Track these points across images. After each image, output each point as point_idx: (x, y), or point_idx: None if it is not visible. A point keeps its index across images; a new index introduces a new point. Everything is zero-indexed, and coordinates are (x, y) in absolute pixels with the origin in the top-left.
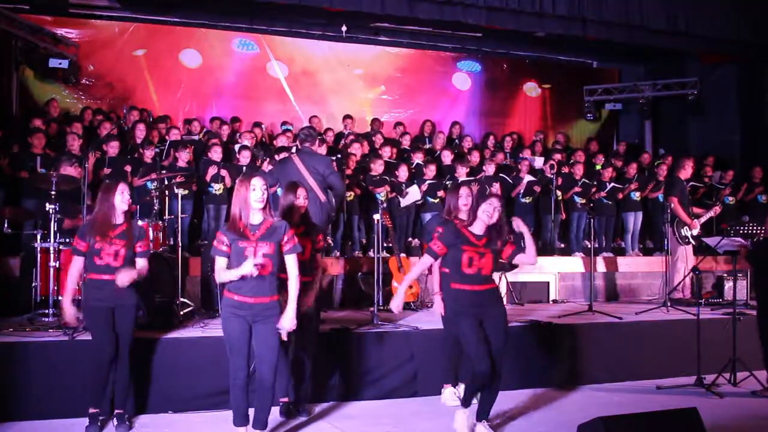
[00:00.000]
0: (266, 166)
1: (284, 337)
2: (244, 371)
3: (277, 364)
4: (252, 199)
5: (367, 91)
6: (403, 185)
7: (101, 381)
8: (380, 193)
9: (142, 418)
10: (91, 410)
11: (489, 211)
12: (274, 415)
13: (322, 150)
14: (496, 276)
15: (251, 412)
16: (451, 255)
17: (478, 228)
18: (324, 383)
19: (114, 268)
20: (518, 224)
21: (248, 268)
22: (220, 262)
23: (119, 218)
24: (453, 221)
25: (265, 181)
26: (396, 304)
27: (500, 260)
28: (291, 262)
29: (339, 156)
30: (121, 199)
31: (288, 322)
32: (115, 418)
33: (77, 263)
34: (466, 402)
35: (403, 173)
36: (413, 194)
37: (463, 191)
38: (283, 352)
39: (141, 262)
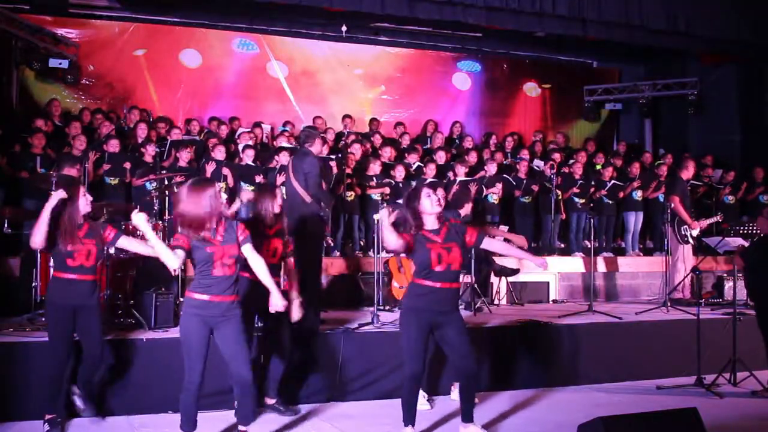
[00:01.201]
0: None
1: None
2: (199, 376)
3: (250, 359)
4: (221, 204)
5: (367, 91)
6: (401, 185)
7: (57, 383)
8: (377, 194)
9: (143, 418)
10: (48, 416)
11: (433, 201)
12: (276, 415)
13: (325, 150)
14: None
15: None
16: (419, 257)
17: (430, 223)
18: (324, 383)
19: (87, 268)
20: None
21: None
22: (180, 253)
23: (81, 220)
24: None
25: (218, 185)
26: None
27: (469, 248)
28: (248, 250)
29: (339, 156)
30: (84, 201)
31: (278, 302)
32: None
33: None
34: (409, 418)
35: (399, 174)
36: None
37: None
38: (277, 353)
39: (125, 241)
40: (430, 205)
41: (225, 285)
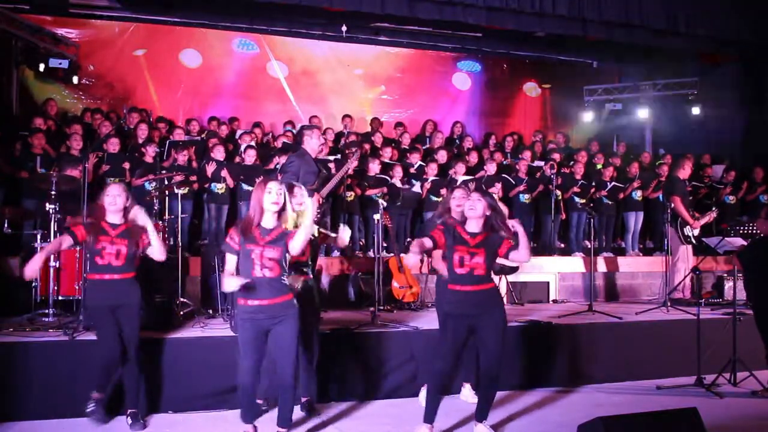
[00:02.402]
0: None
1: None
2: (252, 374)
3: (295, 363)
4: (266, 202)
5: (367, 91)
6: (400, 185)
7: (108, 377)
8: (376, 194)
9: (150, 417)
10: (95, 395)
11: (472, 206)
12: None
13: (325, 149)
14: (495, 277)
15: (272, 412)
16: (448, 256)
17: (472, 226)
18: (324, 383)
19: (115, 267)
20: (516, 226)
21: (232, 286)
22: (230, 260)
23: (116, 219)
24: (448, 221)
25: (281, 185)
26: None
27: (497, 258)
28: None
29: (338, 156)
30: (110, 200)
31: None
32: (129, 417)
33: (63, 240)
34: (429, 416)
35: (398, 174)
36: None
37: (457, 193)
38: (307, 352)
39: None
40: (473, 211)
41: (271, 288)
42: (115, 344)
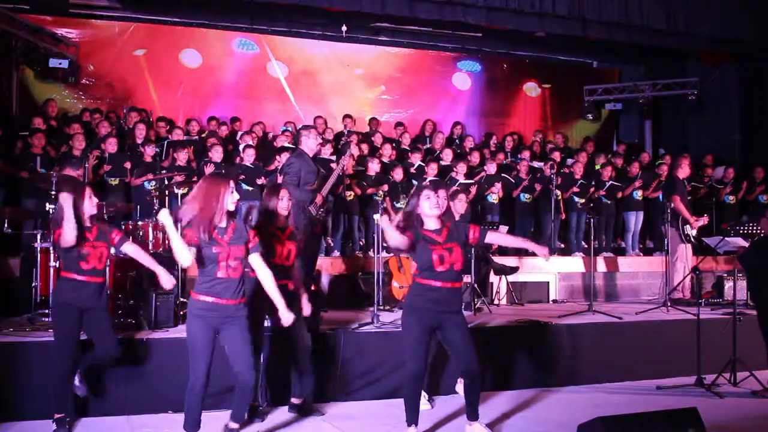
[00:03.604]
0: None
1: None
2: (204, 376)
3: (253, 362)
4: (229, 202)
5: (367, 91)
6: (399, 186)
7: (65, 383)
8: (376, 193)
9: (143, 418)
10: (57, 415)
11: (432, 204)
12: (282, 411)
13: (327, 149)
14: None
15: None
16: (420, 257)
17: (430, 224)
18: (324, 383)
19: (98, 271)
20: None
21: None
22: (191, 251)
23: (87, 222)
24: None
25: (236, 183)
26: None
27: (470, 248)
28: (257, 261)
29: (339, 157)
30: (90, 203)
31: (285, 317)
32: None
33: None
34: (412, 418)
35: (398, 175)
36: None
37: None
38: (298, 352)
39: (131, 248)
40: (428, 207)
41: (230, 287)
42: (75, 345)
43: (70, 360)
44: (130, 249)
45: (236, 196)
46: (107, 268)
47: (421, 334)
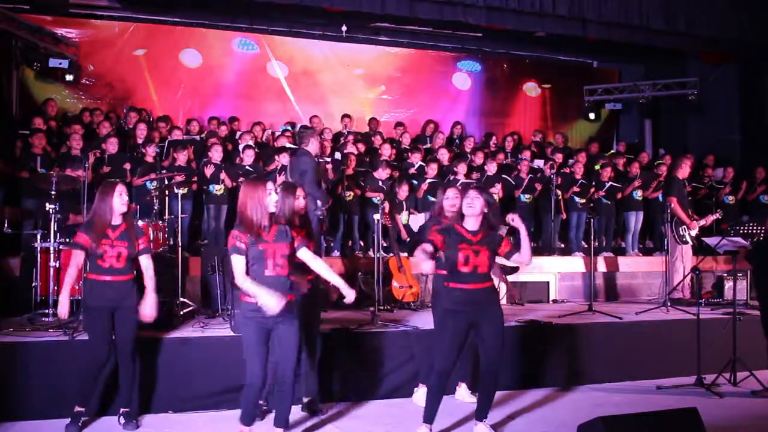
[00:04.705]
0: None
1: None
2: (261, 375)
3: (296, 364)
4: (269, 202)
5: (367, 91)
6: (404, 203)
7: (92, 381)
8: (376, 198)
9: (142, 418)
10: (77, 409)
11: (470, 203)
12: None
13: (325, 149)
14: (495, 277)
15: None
16: (447, 254)
17: (470, 224)
18: (324, 383)
19: (117, 269)
20: (516, 221)
21: (272, 304)
22: (239, 261)
23: (117, 219)
24: (443, 221)
25: (275, 183)
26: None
27: (498, 257)
28: (307, 255)
29: (336, 158)
30: (120, 201)
31: (348, 294)
32: (121, 416)
33: (78, 257)
34: (429, 416)
35: (403, 192)
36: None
37: (450, 192)
38: (310, 352)
39: (145, 261)
40: (471, 209)
41: (279, 286)
42: (105, 347)
43: (102, 360)
44: (145, 262)
45: (125, 198)
46: (132, 267)
47: (455, 337)
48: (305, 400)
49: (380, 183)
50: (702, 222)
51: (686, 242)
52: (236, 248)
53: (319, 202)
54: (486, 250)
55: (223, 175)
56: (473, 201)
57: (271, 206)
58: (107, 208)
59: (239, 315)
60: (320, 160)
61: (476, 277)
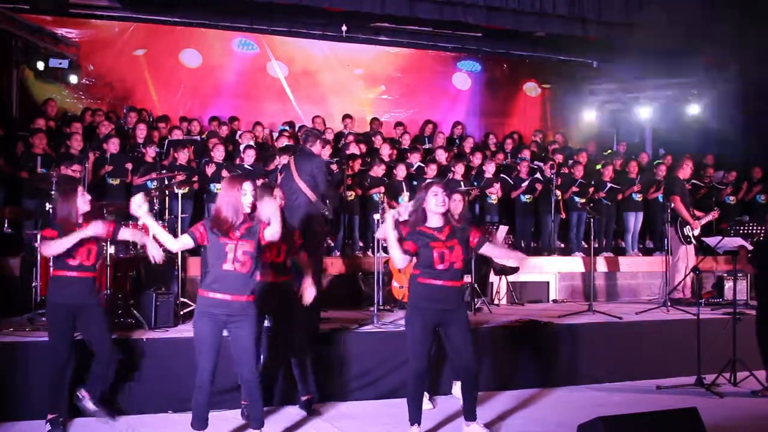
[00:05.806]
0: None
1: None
2: (210, 373)
3: (256, 364)
4: (244, 204)
5: (367, 91)
6: (403, 184)
7: (58, 383)
8: (376, 193)
9: (142, 418)
10: (50, 416)
11: (438, 201)
12: (279, 411)
13: (326, 151)
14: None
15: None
16: (422, 256)
17: (434, 222)
18: (324, 383)
19: (86, 266)
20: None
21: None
22: (183, 239)
23: (80, 219)
24: (403, 228)
25: (254, 184)
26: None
27: (471, 249)
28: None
29: (338, 159)
30: (83, 200)
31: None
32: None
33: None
34: (415, 417)
35: (401, 173)
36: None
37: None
38: (295, 352)
39: (127, 232)
40: (435, 203)
41: (238, 283)
42: (66, 347)
43: (64, 360)
44: (126, 234)
45: (87, 197)
46: (98, 265)
47: (423, 334)
48: (303, 399)
49: (377, 179)
50: (704, 220)
51: (690, 242)
52: (191, 233)
53: (328, 202)
54: (458, 245)
55: (224, 174)
56: (445, 199)
57: (246, 206)
58: (71, 208)
59: (196, 309)
60: (330, 161)
61: (452, 273)
